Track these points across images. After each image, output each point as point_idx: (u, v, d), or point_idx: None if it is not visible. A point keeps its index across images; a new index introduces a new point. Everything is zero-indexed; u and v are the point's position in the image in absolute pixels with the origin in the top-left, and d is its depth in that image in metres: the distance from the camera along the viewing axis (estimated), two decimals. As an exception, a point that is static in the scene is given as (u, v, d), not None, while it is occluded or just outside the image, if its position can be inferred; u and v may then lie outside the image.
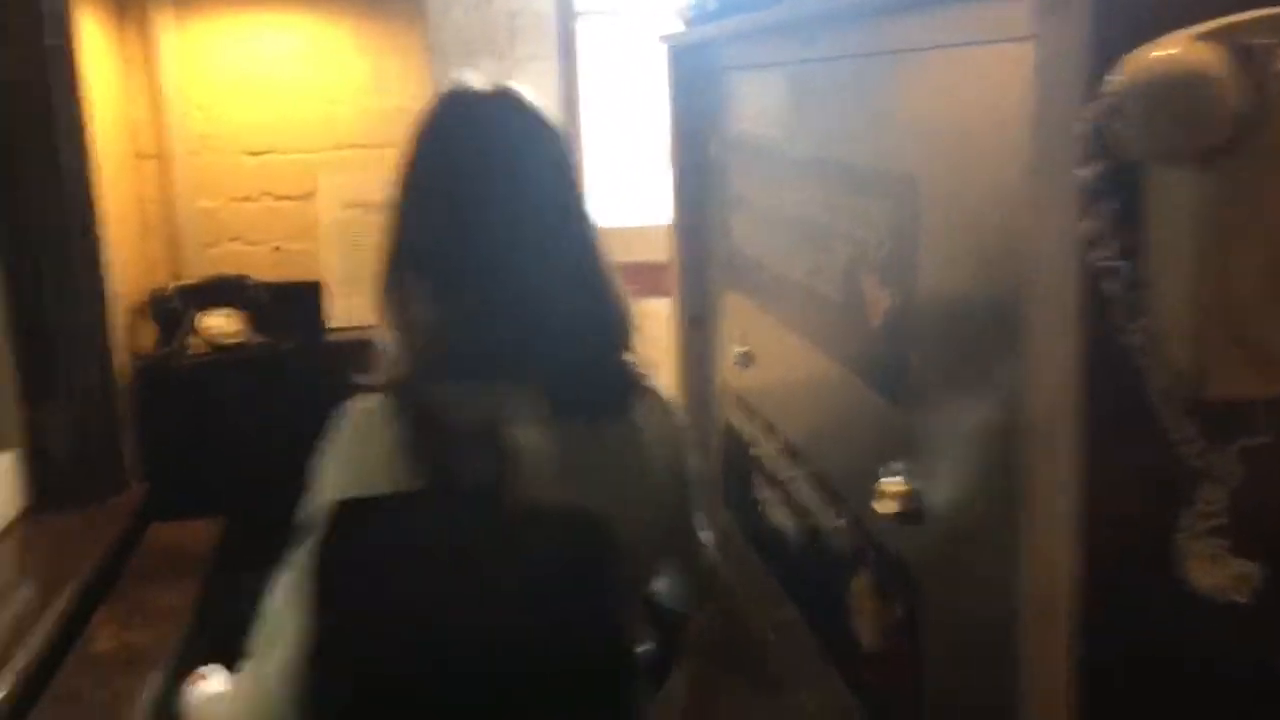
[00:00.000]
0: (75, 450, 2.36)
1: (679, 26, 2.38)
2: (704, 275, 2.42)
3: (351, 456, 1.17)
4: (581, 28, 3.27)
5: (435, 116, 1.23)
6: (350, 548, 1.12)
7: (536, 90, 1.27)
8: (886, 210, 1.35)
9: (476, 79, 1.25)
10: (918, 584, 1.30)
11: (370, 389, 1.17)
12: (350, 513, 1.12)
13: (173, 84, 2.90)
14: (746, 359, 2.05)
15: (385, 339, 1.20)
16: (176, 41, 2.90)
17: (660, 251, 2.45)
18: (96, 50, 2.63)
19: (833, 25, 1.54)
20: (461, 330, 1.16)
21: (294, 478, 2.95)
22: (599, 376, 1.22)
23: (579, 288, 1.21)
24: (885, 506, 1.29)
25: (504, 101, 1.23)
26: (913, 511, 1.26)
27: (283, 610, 1.16)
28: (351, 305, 2.94)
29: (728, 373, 2.18)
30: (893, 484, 1.30)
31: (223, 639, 2.44)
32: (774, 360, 1.93)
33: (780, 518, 1.84)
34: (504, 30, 3.07)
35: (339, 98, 2.96)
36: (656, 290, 2.17)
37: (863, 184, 1.43)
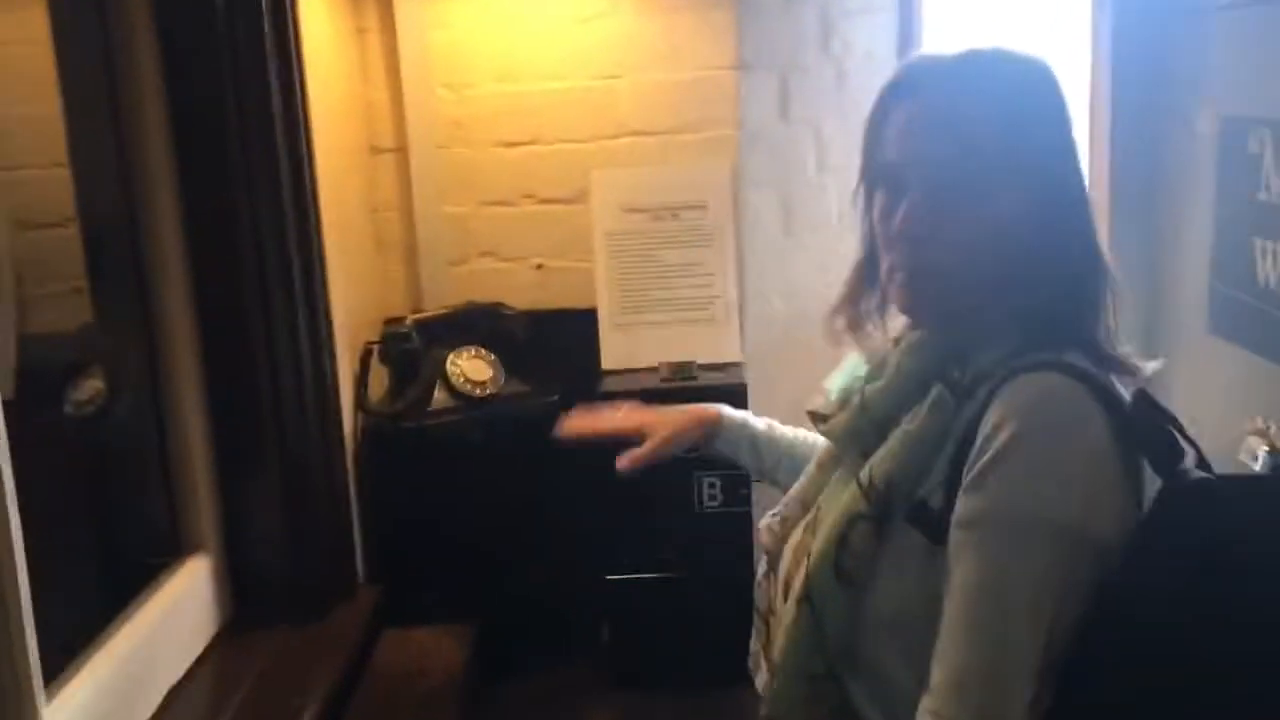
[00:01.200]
0: (289, 547, 1.77)
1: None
2: (1159, 312, 1.72)
3: (1083, 444, 1.03)
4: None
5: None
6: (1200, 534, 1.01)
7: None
8: None
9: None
10: None
11: (1026, 369, 1.06)
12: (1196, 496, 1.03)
13: (415, 59, 2.28)
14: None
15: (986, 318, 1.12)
16: (419, 6, 2.28)
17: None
18: (319, 17, 2.03)
19: None
20: (1066, 301, 1.11)
21: (555, 571, 2.16)
22: None
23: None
24: None
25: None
26: None
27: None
28: (632, 341, 2.27)
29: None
30: None
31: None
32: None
33: None
34: (831, -25, 2.32)
35: (619, 70, 2.28)
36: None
37: None
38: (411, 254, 2.35)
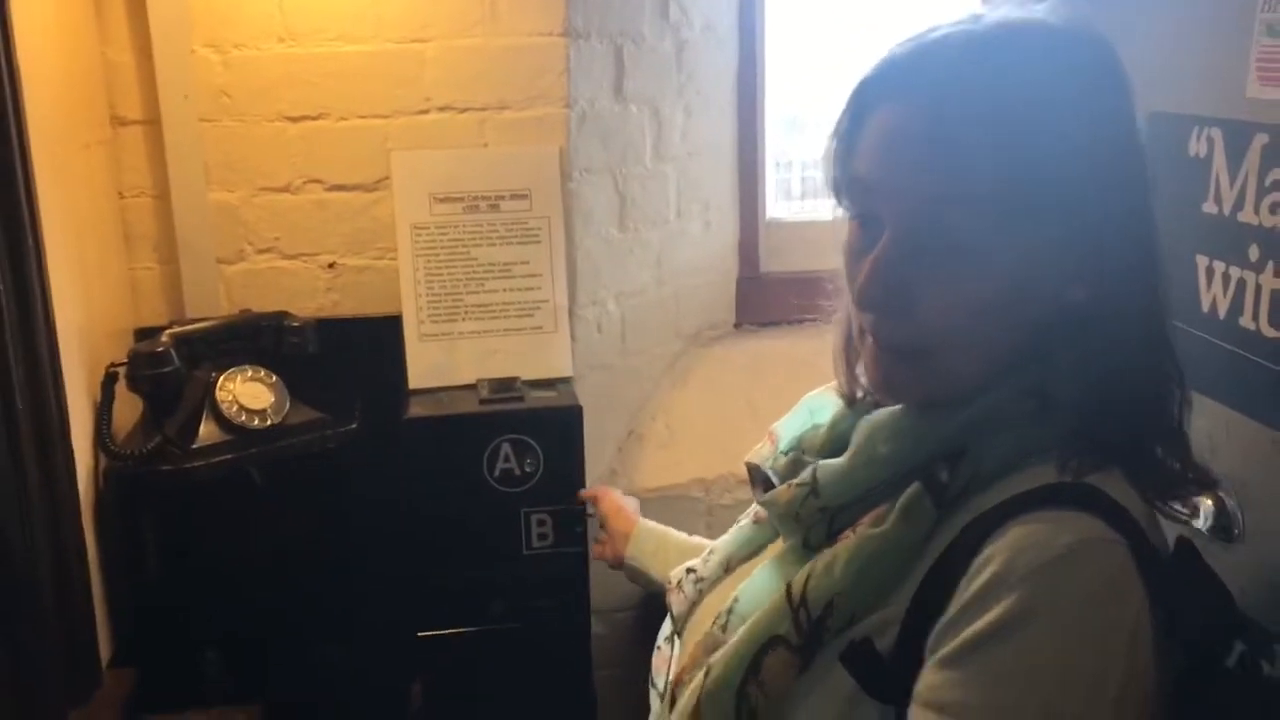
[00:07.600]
0: (6, 633, 1.36)
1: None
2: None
3: (1115, 633, 0.76)
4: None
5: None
6: None
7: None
8: None
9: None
10: None
11: (1061, 502, 0.78)
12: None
13: (167, 11, 1.84)
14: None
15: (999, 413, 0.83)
16: (174, -57, 1.85)
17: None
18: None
19: None
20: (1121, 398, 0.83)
21: (356, 632, 1.87)
22: None
23: None
24: None
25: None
26: None
27: None
28: (444, 354, 1.92)
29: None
30: None
31: None
32: None
33: None
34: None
35: (427, 33, 1.92)
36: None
37: None
38: (169, 250, 1.92)
